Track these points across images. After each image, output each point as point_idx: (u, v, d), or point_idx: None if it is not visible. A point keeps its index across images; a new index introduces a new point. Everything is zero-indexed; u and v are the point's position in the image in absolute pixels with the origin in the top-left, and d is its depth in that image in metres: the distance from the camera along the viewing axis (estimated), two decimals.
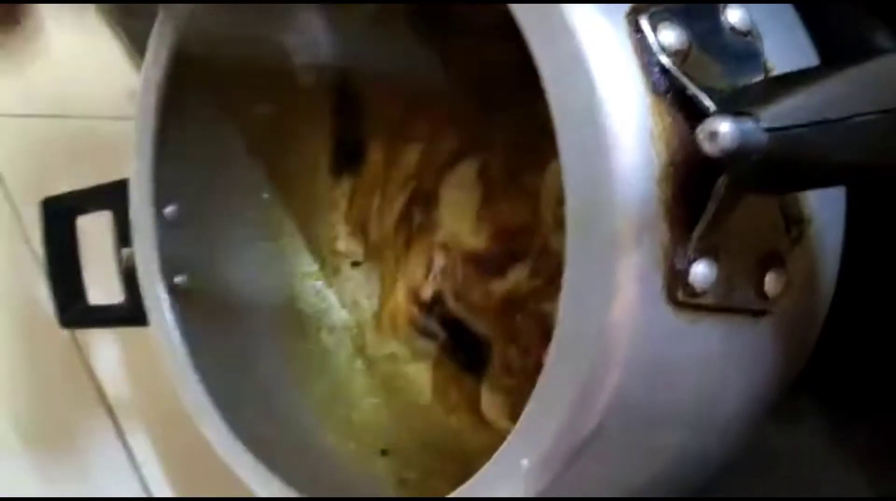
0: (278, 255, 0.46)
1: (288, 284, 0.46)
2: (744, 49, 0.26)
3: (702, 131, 0.20)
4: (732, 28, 0.26)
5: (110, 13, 0.74)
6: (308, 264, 0.47)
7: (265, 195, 0.46)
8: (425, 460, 0.42)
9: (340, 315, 0.47)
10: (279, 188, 0.46)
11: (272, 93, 0.44)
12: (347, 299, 0.48)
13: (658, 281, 0.25)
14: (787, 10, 0.30)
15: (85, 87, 0.69)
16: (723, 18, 0.26)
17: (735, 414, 0.29)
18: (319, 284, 0.47)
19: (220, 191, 0.43)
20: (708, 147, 0.20)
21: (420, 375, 0.45)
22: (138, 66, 0.75)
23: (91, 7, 0.74)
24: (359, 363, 0.46)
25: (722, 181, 0.23)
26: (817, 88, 0.21)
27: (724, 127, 0.20)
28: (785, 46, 0.28)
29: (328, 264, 0.47)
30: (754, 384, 0.28)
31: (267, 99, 0.44)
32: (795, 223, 0.27)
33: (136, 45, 0.72)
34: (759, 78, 0.26)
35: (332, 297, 0.48)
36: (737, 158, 0.21)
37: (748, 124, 0.21)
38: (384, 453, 0.42)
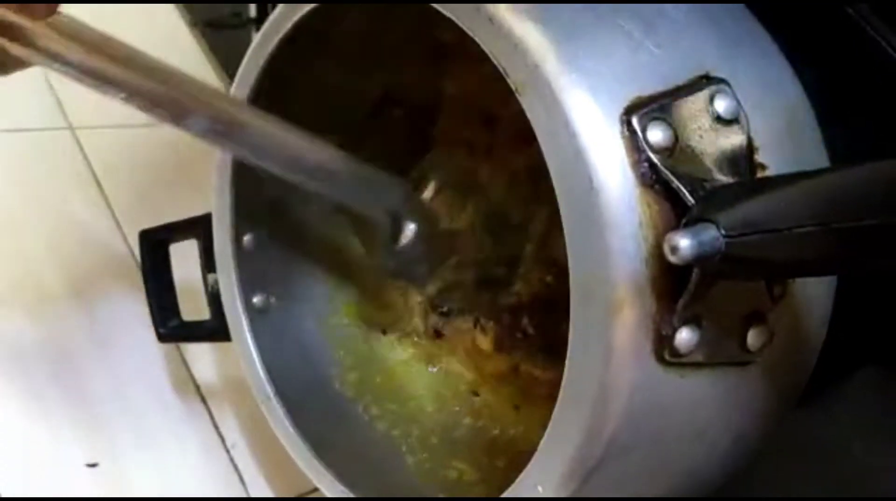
0: (347, 272, 0.52)
1: (354, 300, 0.52)
2: (727, 137, 0.30)
3: (666, 243, 0.25)
4: (719, 117, 0.30)
5: (194, 22, 0.80)
6: None
7: (336, 219, 0.51)
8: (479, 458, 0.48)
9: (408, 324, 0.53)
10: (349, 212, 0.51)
11: (344, 127, 0.47)
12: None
13: (648, 345, 0.29)
14: (780, 82, 0.33)
15: None
16: (710, 110, 0.30)
17: (726, 448, 0.33)
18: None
19: (294, 218, 0.49)
20: (672, 258, 0.24)
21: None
22: (214, 69, 0.81)
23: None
24: (420, 368, 0.52)
25: (695, 271, 0.27)
26: (769, 199, 0.25)
27: (684, 242, 0.24)
28: (771, 119, 0.32)
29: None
30: (744, 423, 0.33)
31: (338, 132, 0.48)
32: (779, 284, 0.31)
33: (216, 54, 0.78)
34: (741, 156, 0.30)
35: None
36: (698, 262, 0.25)
37: (709, 234, 0.25)
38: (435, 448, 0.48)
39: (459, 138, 0.46)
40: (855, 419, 0.44)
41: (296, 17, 0.39)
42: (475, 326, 0.51)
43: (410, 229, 0.45)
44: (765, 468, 0.43)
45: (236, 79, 0.43)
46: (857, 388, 0.44)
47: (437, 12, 0.32)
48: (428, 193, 0.46)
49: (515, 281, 0.48)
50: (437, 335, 0.52)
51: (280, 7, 0.39)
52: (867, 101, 0.39)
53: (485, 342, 0.51)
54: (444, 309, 0.52)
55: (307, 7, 0.38)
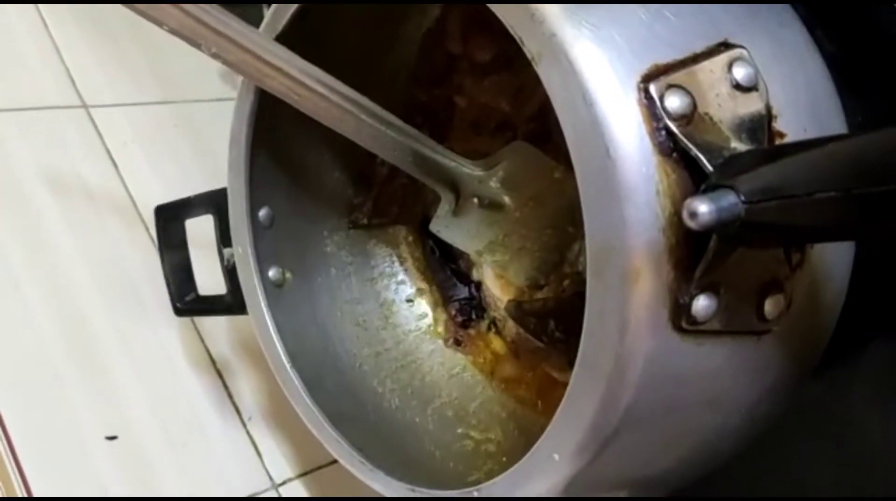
0: (363, 248, 0.52)
1: (370, 276, 0.52)
2: (745, 104, 0.30)
3: (685, 209, 0.25)
4: (737, 85, 0.30)
5: None
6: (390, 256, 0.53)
7: (350, 193, 0.51)
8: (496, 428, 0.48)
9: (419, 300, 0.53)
10: (364, 187, 0.51)
11: None
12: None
13: (665, 313, 0.29)
14: (799, 51, 0.33)
15: (182, 72, 0.75)
16: (728, 77, 0.30)
17: (741, 418, 0.33)
18: (402, 276, 0.53)
19: (308, 193, 0.49)
20: (691, 223, 0.24)
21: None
22: None
23: None
24: (435, 347, 0.52)
25: (714, 238, 0.27)
26: (789, 164, 0.25)
27: (703, 208, 0.24)
28: (790, 88, 0.32)
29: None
30: (761, 391, 0.33)
31: None
32: (797, 251, 0.31)
33: None
34: (759, 124, 0.30)
35: (412, 286, 0.53)
36: (718, 228, 0.25)
37: (728, 199, 0.25)
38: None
39: (471, 149, 0.46)
40: (870, 394, 0.44)
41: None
42: (489, 329, 0.52)
43: (473, 203, 0.45)
44: (778, 443, 0.43)
45: None
46: (873, 362, 0.44)
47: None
48: (497, 177, 0.46)
49: (546, 284, 0.48)
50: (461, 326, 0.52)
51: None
52: (887, 73, 0.39)
53: (500, 345, 0.52)
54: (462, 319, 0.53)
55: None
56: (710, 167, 0.27)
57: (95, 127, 0.68)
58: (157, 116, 0.72)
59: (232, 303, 0.48)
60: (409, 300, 0.53)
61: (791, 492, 0.44)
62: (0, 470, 0.50)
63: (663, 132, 0.28)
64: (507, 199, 0.45)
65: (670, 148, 0.28)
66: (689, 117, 0.29)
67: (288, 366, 0.45)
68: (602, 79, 0.29)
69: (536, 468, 0.33)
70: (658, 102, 0.28)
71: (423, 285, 0.54)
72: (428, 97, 0.50)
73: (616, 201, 0.28)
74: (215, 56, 0.36)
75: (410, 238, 0.54)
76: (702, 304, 0.29)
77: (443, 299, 0.53)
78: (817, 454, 0.44)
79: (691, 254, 0.28)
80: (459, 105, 0.50)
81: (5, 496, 0.49)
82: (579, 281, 0.46)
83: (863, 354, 0.42)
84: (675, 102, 0.28)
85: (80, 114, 0.69)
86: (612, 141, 0.28)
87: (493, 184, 0.45)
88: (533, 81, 0.30)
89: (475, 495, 0.35)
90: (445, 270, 0.54)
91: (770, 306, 0.30)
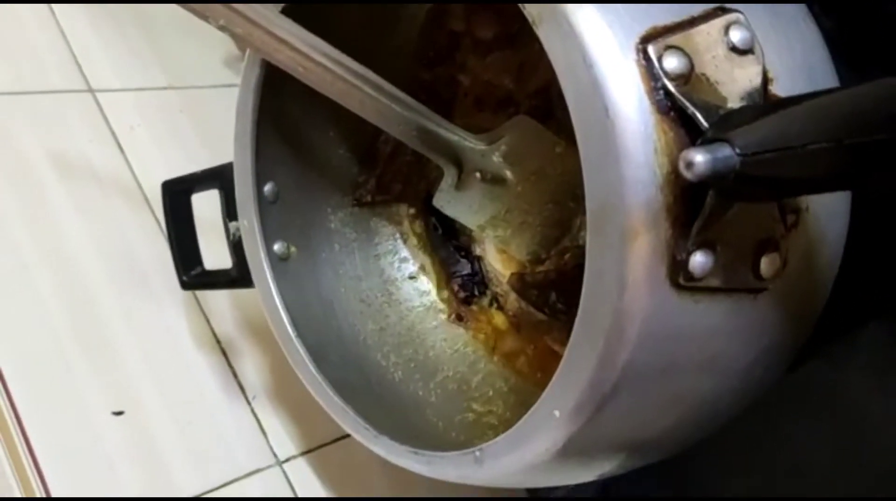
0: (367, 225, 0.53)
1: (374, 253, 0.53)
2: (742, 66, 0.30)
3: (681, 160, 0.25)
4: (734, 47, 0.30)
5: None
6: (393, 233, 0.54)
7: (354, 170, 0.52)
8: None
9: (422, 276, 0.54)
10: (369, 165, 0.52)
11: None
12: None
13: (662, 269, 0.30)
14: (796, 19, 0.34)
15: (187, 58, 0.76)
16: (725, 39, 0.30)
17: (737, 378, 0.33)
18: (405, 253, 0.54)
19: (313, 170, 0.50)
20: (686, 174, 0.25)
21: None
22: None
23: None
24: (438, 323, 0.53)
25: (710, 193, 0.27)
26: (783, 118, 0.25)
27: (699, 158, 0.25)
28: (786, 54, 0.32)
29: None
30: (757, 352, 0.33)
31: None
32: (792, 212, 0.32)
33: None
34: (755, 87, 0.30)
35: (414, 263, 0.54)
36: (713, 179, 0.25)
37: (724, 152, 0.25)
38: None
39: (473, 125, 0.47)
40: (868, 371, 0.45)
41: None
42: (491, 305, 0.53)
43: (475, 178, 0.46)
44: (777, 421, 0.44)
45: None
46: (870, 340, 0.44)
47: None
48: (499, 152, 0.47)
49: (548, 258, 0.48)
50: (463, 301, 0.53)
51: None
52: (884, 50, 0.40)
53: (501, 320, 0.52)
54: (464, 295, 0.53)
55: None
56: (706, 124, 0.28)
57: (101, 111, 0.69)
58: (163, 100, 0.73)
59: (237, 277, 0.49)
60: (412, 277, 0.54)
61: (789, 470, 0.45)
62: (9, 444, 0.51)
63: (661, 92, 0.29)
64: (509, 173, 0.46)
65: (668, 107, 0.29)
66: (686, 77, 0.29)
67: (293, 336, 0.46)
68: (601, 40, 0.29)
69: (537, 426, 0.33)
70: (656, 63, 0.29)
71: (426, 262, 0.54)
72: (431, 75, 0.51)
73: (615, 159, 0.29)
74: (223, 28, 0.37)
75: (413, 215, 0.55)
76: (699, 260, 0.30)
77: (445, 275, 0.54)
78: (815, 432, 0.44)
79: (688, 211, 0.29)
80: (462, 83, 0.51)
81: (15, 471, 0.50)
82: (580, 254, 0.46)
83: (861, 331, 0.43)
84: (672, 62, 0.29)
85: (86, 98, 0.69)
86: (611, 101, 0.29)
87: (496, 158, 0.46)
88: (534, 57, 0.31)
89: (477, 455, 0.36)
90: (448, 246, 0.54)
91: (766, 264, 0.31)
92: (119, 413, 0.54)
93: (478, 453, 0.36)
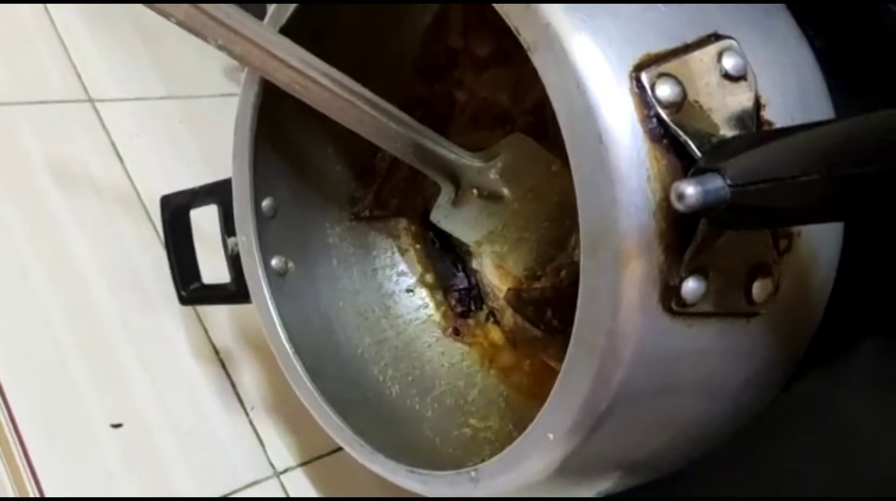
0: (364, 240, 0.53)
1: (372, 267, 0.53)
2: (734, 93, 0.31)
3: (672, 191, 0.25)
4: (727, 74, 0.31)
5: None
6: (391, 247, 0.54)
7: (352, 186, 0.52)
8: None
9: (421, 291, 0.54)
10: (366, 180, 0.52)
11: None
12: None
13: (655, 295, 0.30)
14: (788, 42, 0.34)
15: (186, 68, 0.76)
16: (718, 66, 0.31)
17: (730, 401, 0.34)
18: (403, 267, 0.54)
19: (311, 185, 0.50)
20: (678, 205, 0.25)
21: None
22: None
23: None
24: (435, 337, 0.53)
25: (702, 221, 0.27)
26: (774, 149, 0.26)
27: (690, 190, 0.25)
28: (779, 77, 0.33)
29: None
30: (748, 374, 0.33)
31: None
32: (784, 237, 0.32)
33: None
34: (748, 113, 0.31)
35: (412, 277, 0.54)
36: (705, 210, 0.25)
37: (715, 183, 0.25)
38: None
39: (470, 142, 0.47)
40: (861, 389, 0.45)
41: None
42: (487, 319, 0.53)
43: (472, 194, 0.46)
44: (771, 437, 0.44)
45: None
46: (864, 358, 0.44)
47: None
48: (496, 169, 0.47)
49: (544, 275, 0.49)
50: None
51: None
52: (877, 69, 0.40)
53: (498, 335, 0.53)
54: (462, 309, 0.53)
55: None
56: (698, 153, 0.28)
57: (101, 121, 0.69)
58: (162, 110, 0.73)
59: (236, 291, 0.49)
60: (410, 291, 0.54)
61: (783, 486, 0.45)
62: (7, 456, 0.51)
63: (654, 120, 0.29)
64: (505, 190, 0.46)
65: (660, 135, 0.29)
66: (679, 105, 0.29)
67: (291, 352, 0.46)
68: (595, 67, 0.30)
69: (531, 447, 0.34)
70: (649, 91, 0.29)
71: (424, 276, 0.55)
72: (428, 92, 0.51)
73: (608, 184, 0.29)
74: (221, 48, 0.37)
75: (411, 230, 0.55)
76: (691, 286, 0.30)
77: (442, 289, 0.54)
78: (809, 448, 0.44)
79: (681, 238, 0.29)
80: (459, 99, 0.51)
81: (14, 483, 0.50)
82: (576, 272, 0.47)
83: (854, 349, 0.43)
84: (665, 90, 0.29)
85: (86, 108, 0.70)
86: (604, 128, 0.29)
87: (492, 175, 0.46)
88: (530, 76, 0.31)
89: (472, 475, 0.36)
90: (445, 261, 0.55)
91: (758, 289, 0.31)
92: (118, 425, 0.55)
93: (473, 473, 0.36)
